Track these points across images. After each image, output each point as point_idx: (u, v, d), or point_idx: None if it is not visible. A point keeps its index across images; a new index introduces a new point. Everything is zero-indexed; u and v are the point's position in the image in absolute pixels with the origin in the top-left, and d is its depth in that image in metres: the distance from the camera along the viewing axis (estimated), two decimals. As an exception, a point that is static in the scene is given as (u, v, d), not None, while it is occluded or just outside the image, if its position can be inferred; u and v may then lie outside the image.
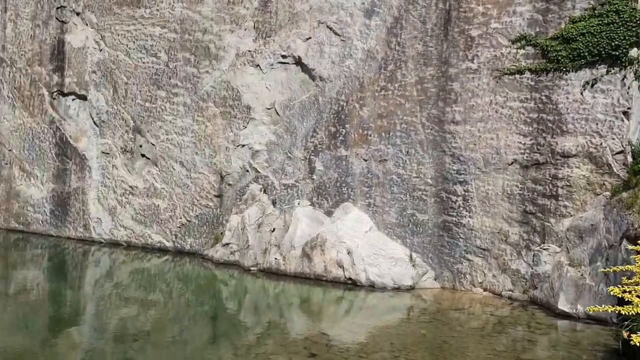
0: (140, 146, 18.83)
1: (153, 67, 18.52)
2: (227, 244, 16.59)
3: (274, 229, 16.01)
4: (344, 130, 15.84)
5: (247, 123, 17.07)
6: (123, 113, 19.10)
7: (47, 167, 20.64)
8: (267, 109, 16.82)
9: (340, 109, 15.92)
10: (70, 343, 10.09)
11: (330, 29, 16.02)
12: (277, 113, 16.73)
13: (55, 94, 20.50)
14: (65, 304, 13.08)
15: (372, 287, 14.41)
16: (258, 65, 16.90)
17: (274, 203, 16.61)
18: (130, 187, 19.00)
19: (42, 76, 20.73)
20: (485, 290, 13.96)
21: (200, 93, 17.76)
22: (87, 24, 19.82)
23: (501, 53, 13.84)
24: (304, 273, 15.06)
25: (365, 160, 15.54)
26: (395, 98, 15.15)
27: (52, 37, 20.51)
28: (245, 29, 17.09)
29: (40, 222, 20.95)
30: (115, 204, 19.30)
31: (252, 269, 15.95)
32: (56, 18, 20.43)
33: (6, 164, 21.65)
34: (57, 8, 20.38)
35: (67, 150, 20.21)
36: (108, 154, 19.41)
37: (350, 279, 14.57)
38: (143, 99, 18.70)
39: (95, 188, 19.64)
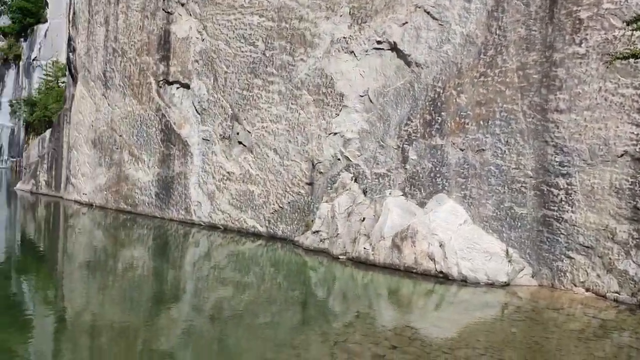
0: (238, 133, 19.28)
1: (251, 56, 18.85)
2: (317, 231, 16.61)
3: (363, 219, 15.81)
4: (439, 118, 15.28)
5: (340, 111, 16.95)
6: (222, 101, 19.63)
7: (153, 152, 21.69)
8: (361, 96, 16.60)
9: (436, 96, 15.37)
10: (170, 320, 10.41)
11: (428, 13, 15.48)
12: (371, 100, 16.46)
13: (161, 82, 21.46)
14: (166, 282, 13.69)
15: (464, 281, 13.83)
16: (352, 51, 16.70)
17: (364, 192, 16.40)
18: (228, 172, 19.53)
19: (150, 65, 21.75)
20: (587, 290, 12.96)
21: (294, 81, 17.86)
22: (190, 15, 20.52)
23: (613, 36, 12.70)
24: (393, 264, 14.75)
25: (462, 150, 14.91)
26: (495, 85, 14.39)
27: (159, 27, 21.45)
28: (341, 15, 16.93)
29: (147, 204, 22.09)
30: (213, 188, 19.92)
31: (340, 257, 15.86)
32: (163, 9, 21.33)
33: (117, 148, 22.99)
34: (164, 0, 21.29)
35: (172, 137, 21.12)
36: (208, 140, 20.06)
37: (441, 272, 14.08)
38: (241, 87, 19.11)
39: (196, 173, 20.38)
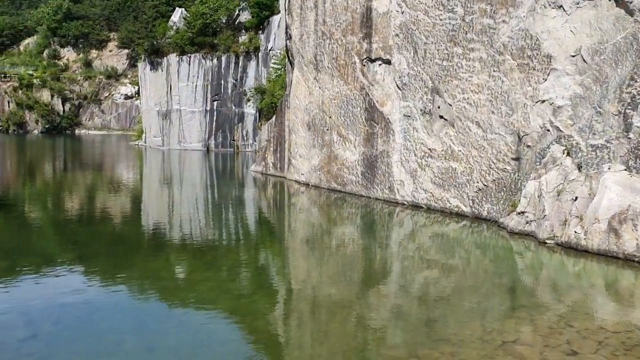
0: (439, 107, 18.24)
1: (450, 23, 17.59)
2: (523, 212, 14.90)
3: (576, 198, 13.69)
4: (673, 74, 12.42)
5: (548, 75, 14.86)
6: (422, 74, 18.74)
7: (359, 132, 21.76)
8: (572, 56, 14.31)
9: (668, 48, 12.51)
10: (379, 298, 10.58)
11: (656, -54, 12.62)
12: (584, 60, 14.09)
13: (364, 60, 21.32)
14: (374, 261, 13.78)
15: None
16: (561, 6, 14.45)
17: (578, 167, 14.19)
18: (429, 149, 18.65)
19: (354, 45, 21.76)
20: None
21: (496, 46, 16.17)
22: (390, -12, 19.91)
23: None
24: (610, 251, 12.51)
25: None
26: None
27: (361, 5, 21.27)
28: (547, -34, 14.76)
29: (354, 183, 22.33)
30: (416, 166, 19.24)
31: (547, 241, 14.00)
32: (364, -14, 21.07)
33: (327, 129, 23.60)
34: (365, -24, 20.99)
35: (374, 115, 20.92)
36: (409, 116, 19.38)
37: (673, 263, 11.54)
38: (440, 57, 17.99)
39: (398, 151, 19.89)
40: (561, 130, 14.68)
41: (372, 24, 20.80)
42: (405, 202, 19.85)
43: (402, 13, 19.39)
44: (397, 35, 19.67)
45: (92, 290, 10.98)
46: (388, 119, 20.21)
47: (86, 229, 17.41)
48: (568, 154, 14.45)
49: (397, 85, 19.82)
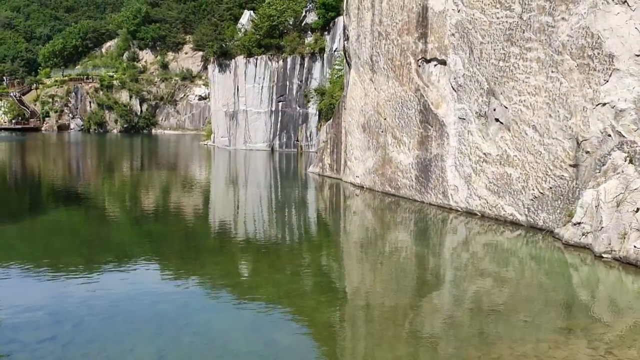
0: (494, 110, 17.39)
1: (507, 22, 16.72)
2: (579, 223, 13.90)
3: (637, 209, 12.61)
4: None
5: (609, 76, 13.79)
6: (478, 75, 17.93)
7: (413, 134, 21.14)
8: (636, 55, 13.20)
9: None
10: (433, 306, 10.49)
11: None
12: (650, 60, 12.96)
13: (419, 61, 20.69)
14: (427, 268, 13.49)
15: None
16: (625, 1, 13.36)
17: (642, 176, 13.07)
18: (484, 154, 17.82)
19: (409, 45, 21.16)
20: None
21: (554, 45, 15.19)
22: (446, -14, 19.19)
23: None
24: (673, 269, 11.43)
25: None
26: None
27: (418, 4, 20.65)
28: (610, -42, 13.70)
29: (408, 187, 21.72)
30: (470, 171, 18.45)
31: (604, 255, 12.98)
32: (421, -15, 20.43)
33: (382, 131, 23.10)
34: (422, -26, 20.36)
35: (429, 117, 20.25)
36: (464, 119, 18.61)
37: None
38: (497, 58, 17.14)
39: (453, 155, 19.15)
40: (623, 136, 13.58)
41: (427, 24, 20.14)
42: (459, 209, 19.08)
43: (459, 11, 18.64)
44: (452, 34, 18.93)
45: (165, 287, 11.58)
46: (442, 121, 19.50)
47: (158, 226, 18.22)
48: (631, 162, 13.35)
49: (452, 86, 19.08)
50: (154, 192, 26.45)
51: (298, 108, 48.79)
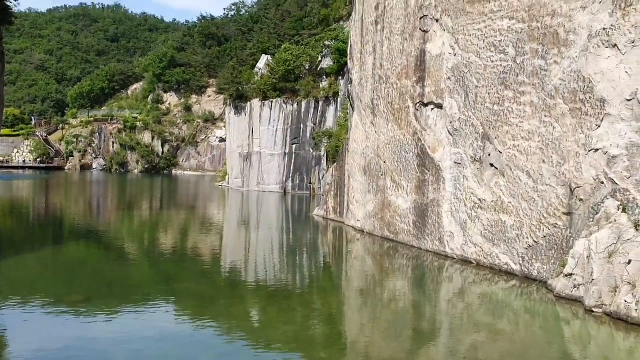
0: (489, 155, 16.91)
1: (501, 65, 16.40)
2: (570, 274, 13.18)
3: (629, 261, 11.89)
4: None
5: (601, 121, 13.27)
6: (473, 119, 17.54)
7: (411, 178, 20.69)
8: (627, 100, 12.70)
9: None
10: (427, 357, 10.36)
11: None
12: (641, 105, 12.44)
13: (417, 105, 20.41)
14: (423, 319, 13.22)
15: None
16: (615, 45, 12.95)
17: (636, 226, 12.38)
18: (479, 200, 17.26)
19: (408, 89, 20.93)
20: None
21: (547, 89, 14.77)
22: (444, 30, 19.04)
23: None
24: (665, 327, 10.64)
25: None
26: None
27: (416, 48, 20.51)
28: (600, 2, 13.36)
29: (406, 232, 21.14)
30: (465, 217, 17.86)
31: (595, 310, 12.21)
32: (420, 29, 20.34)
33: (382, 175, 22.69)
34: (421, 18, 20.28)
35: (426, 161, 19.82)
36: (460, 164, 18.14)
37: None
38: (491, 101, 16.76)
39: (449, 200, 18.60)
40: (616, 183, 12.96)
41: (425, 67, 19.93)
42: (455, 256, 18.42)
43: (455, 55, 18.41)
44: (449, 78, 18.66)
45: (180, 327, 11.95)
46: (439, 165, 19.04)
47: (171, 265, 18.63)
48: (624, 210, 12.68)
49: (448, 130, 18.70)
50: (167, 232, 26.85)
51: (311, 151, 48.73)
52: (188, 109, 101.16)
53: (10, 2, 28.49)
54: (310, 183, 48.86)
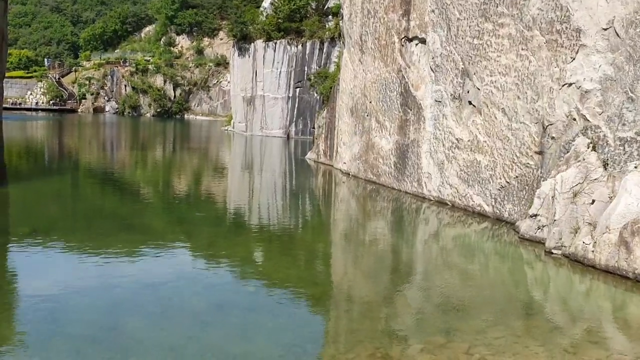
0: (467, 92, 16.09)
1: (482, -5, 15.38)
2: (535, 215, 12.59)
3: (593, 201, 11.25)
4: None
5: (576, 53, 12.37)
6: (454, 54, 16.63)
7: (394, 118, 19.96)
8: (603, 29, 11.76)
9: None
10: (405, 300, 10.17)
11: None
12: (617, 34, 11.50)
13: (402, 40, 19.46)
14: (401, 260, 13.14)
15: None
16: (594, -32, 11.92)
17: (604, 165, 11.67)
18: (457, 139, 16.55)
19: (394, 23, 19.94)
20: None
21: (525, 20, 13.80)
22: (430, -41, 17.90)
23: None
24: (619, 268, 10.07)
25: None
26: None
27: (403, -20, 19.39)
28: None
29: (387, 174, 20.57)
30: (443, 158, 17.20)
31: (554, 252, 11.68)
32: (406, -41, 19.17)
33: (367, 115, 21.96)
34: (408, -52, 19.10)
35: (408, 100, 19.03)
36: (440, 102, 17.34)
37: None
38: (472, 35, 15.82)
39: (428, 140, 17.91)
40: (588, 120, 12.16)
41: (411, 0, 18.88)
42: (432, 198, 17.88)
43: (439, -14, 17.34)
44: (432, 11, 17.64)
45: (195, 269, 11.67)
46: (420, 104, 18.26)
47: (178, 208, 18.47)
48: (594, 149, 11.94)
49: (430, 67, 17.81)
50: (171, 176, 26.90)
51: (315, 94, 47.70)
52: (200, 52, 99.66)
53: None
54: (313, 128, 48.01)
